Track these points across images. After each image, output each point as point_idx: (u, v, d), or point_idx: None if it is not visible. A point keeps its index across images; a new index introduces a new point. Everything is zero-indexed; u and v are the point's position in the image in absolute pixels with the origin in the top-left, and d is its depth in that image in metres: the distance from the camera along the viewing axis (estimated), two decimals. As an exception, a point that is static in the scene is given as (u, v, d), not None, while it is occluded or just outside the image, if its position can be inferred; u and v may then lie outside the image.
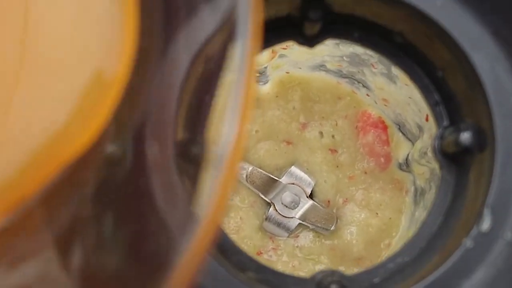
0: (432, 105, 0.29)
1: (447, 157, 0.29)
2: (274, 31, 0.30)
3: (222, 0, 0.20)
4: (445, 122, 0.29)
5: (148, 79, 0.22)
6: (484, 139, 0.26)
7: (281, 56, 0.44)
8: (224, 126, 0.17)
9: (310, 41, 0.30)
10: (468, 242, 0.25)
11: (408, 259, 0.28)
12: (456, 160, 0.28)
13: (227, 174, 0.16)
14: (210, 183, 0.17)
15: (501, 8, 0.26)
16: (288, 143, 0.47)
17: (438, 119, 0.29)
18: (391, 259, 0.29)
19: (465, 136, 0.27)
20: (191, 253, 0.16)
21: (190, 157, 0.22)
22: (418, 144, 0.42)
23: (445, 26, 0.26)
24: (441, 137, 0.29)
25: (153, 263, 0.19)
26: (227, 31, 0.19)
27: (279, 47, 0.42)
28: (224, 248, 0.28)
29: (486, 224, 0.25)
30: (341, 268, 0.45)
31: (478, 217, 0.25)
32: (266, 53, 0.44)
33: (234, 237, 0.45)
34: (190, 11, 0.22)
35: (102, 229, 0.20)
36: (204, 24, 0.22)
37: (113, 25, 0.20)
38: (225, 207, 0.16)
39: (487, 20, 0.26)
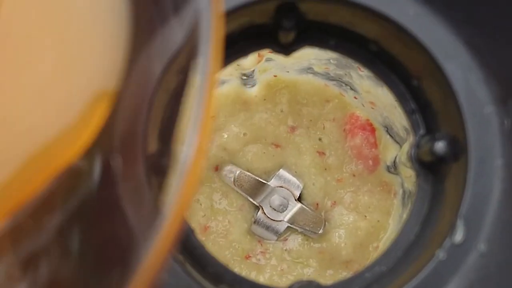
0: (409, 113, 0.29)
1: (424, 166, 0.29)
2: (250, 39, 0.30)
3: (187, 13, 0.20)
4: (422, 131, 0.29)
5: (122, 89, 0.22)
6: (458, 149, 0.26)
7: (268, 60, 0.44)
8: (185, 140, 0.17)
9: (286, 49, 0.30)
10: (441, 254, 0.25)
11: (385, 269, 0.28)
12: (432, 169, 0.28)
13: (185, 190, 0.16)
14: (171, 195, 0.17)
15: (474, 17, 0.25)
16: (276, 146, 0.47)
17: (414, 127, 0.29)
18: (369, 268, 0.29)
19: (440, 146, 0.26)
20: (151, 258, 0.16)
21: (160, 169, 0.22)
22: (406, 147, 0.42)
23: (417, 36, 0.26)
24: (417, 146, 0.29)
25: (118, 269, 0.19)
26: (191, 45, 0.19)
27: (265, 51, 0.41)
28: (200, 260, 0.28)
29: (459, 235, 0.25)
30: (330, 272, 0.45)
31: (452, 228, 0.25)
32: (253, 57, 0.44)
33: (222, 241, 0.45)
34: (162, 21, 0.22)
35: (68, 242, 0.20)
36: (174, 35, 0.22)
37: (110, 40, 0.20)
38: (183, 215, 0.17)
39: (460, 30, 0.26)
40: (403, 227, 0.28)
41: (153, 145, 0.22)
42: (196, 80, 0.18)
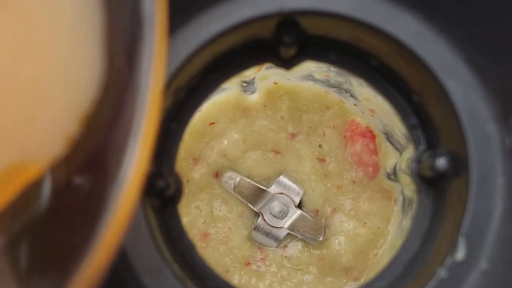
0: (410, 128, 0.29)
1: (425, 181, 0.29)
2: (251, 54, 0.30)
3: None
4: (423, 146, 0.29)
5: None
6: (459, 166, 0.26)
7: (268, 67, 0.44)
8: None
9: (287, 64, 0.29)
10: (442, 272, 0.25)
11: (385, 284, 0.28)
12: (433, 184, 0.28)
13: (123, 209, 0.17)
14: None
15: (475, 35, 0.25)
16: (276, 152, 0.47)
17: (415, 142, 0.29)
18: (369, 284, 0.29)
19: (441, 162, 0.26)
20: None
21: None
22: (406, 155, 0.42)
23: (418, 53, 0.26)
24: (418, 161, 0.29)
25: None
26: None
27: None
28: (201, 275, 0.28)
29: (460, 253, 0.25)
30: (330, 279, 0.45)
31: (453, 245, 0.25)
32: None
33: (222, 247, 0.45)
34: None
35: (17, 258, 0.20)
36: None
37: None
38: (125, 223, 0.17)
39: (461, 47, 0.26)
40: (404, 242, 0.28)
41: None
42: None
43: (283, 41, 0.27)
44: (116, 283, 0.24)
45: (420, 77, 0.27)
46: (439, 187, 0.28)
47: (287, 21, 0.27)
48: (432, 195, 0.28)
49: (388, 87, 0.29)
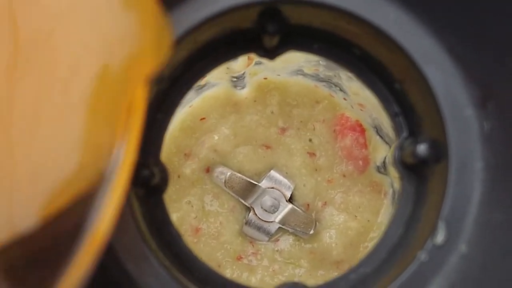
0: (392, 115, 0.29)
1: (407, 168, 0.29)
2: (235, 44, 0.30)
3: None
4: (405, 133, 0.29)
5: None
6: (439, 152, 0.26)
7: (258, 63, 0.44)
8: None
9: (270, 53, 0.30)
10: (422, 255, 0.25)
11: (369, 270, 0.28)
12: (415, 171, 0.28)
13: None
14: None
15: (454, 22, 0.26)
16: (267, 147, 0.47)
17: (398, 130, 0.29)
18: (353, 269, 0.29)
19: (422, 148, 0.27)
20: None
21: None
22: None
23: (398, 40, 0.26)
24: (400, 148, 0.29)
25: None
26: None
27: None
28: (187, 264, 0.28)
29: (440, 237, 0.25)
30: (321, 272, 0.45)
31: (433, 229, 0.26)
32: (242, 61, 0.44)
33: (214, 242, 0.46)
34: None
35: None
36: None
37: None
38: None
39: (440, 34, 0.26)
40: (387, 228, 0.29)
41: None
42: None
43: (266, 30, 0.28)
44: (100, 270, 0.24)
45: (401, 65, 0.27)
46: (421, 174, 0.28)
47: (270, 10, 0.27)
48: (414, 182, 0.29)
49: (371, 75, 0.29)
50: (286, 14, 0.28)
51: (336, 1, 0.26)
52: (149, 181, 0.27)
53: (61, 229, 0.19)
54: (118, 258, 0.25)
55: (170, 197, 0.45)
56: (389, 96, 0.29)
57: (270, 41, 0.29)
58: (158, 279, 0.25)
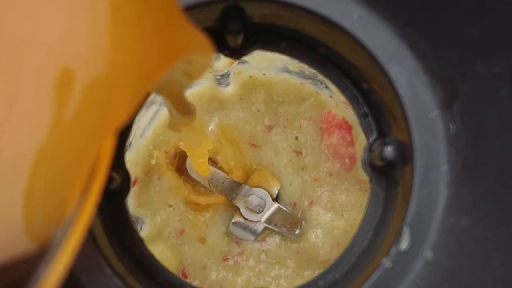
0: (361, 116, 0.28)
1: (376, 170, 0.28)
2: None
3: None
4: (374, 135, 0.28)
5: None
6: (406, 154, 0.25)
7: (242, 62, 0.44)
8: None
9: (236, 53, 0.29)
10: (387, 262, 0.25)
11: (338, 276, 0.28)
12: (384, 173, 0.28)
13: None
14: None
15: (417, 21, 0.25)
16: (254, 146, 0.46)
17: (367, 131, 0.28)
18: (322, 275, 0.28)
19: (388, 150, 0.26)
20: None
21: None
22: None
23: (361, 39, 0.25)
24: (369, 150, 0.28)
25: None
26: None
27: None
28: (149, 270, 0.28)
29: (404, 243, 0.25)
30: (307, 272, 0.45)
31: (398, 235, 0.25)
32: (225, 59, 0.44)
33: (199, 244, 0.45)
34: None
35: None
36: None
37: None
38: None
39: (404, 33, 0.25)
40: (356, 232, 0.28)
41: None
42: None
43: (228, 29, 0.27)
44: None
45: (366, 64, 0.26)
46: (390, 177, 0.27)
47: (231, 8, 0.27)
48: (384, 185, 0.28)
49: (339, 75, 0.29)
50: (249, 12, 0.27)
51: (297, -1, 0.25)
52: (107, 185, 0.26)
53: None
54: (70, 269, 0.25)
55: (151, 199, 0.45)
56: (358, 96, 0.28)
57: (235, 41, 0.28)
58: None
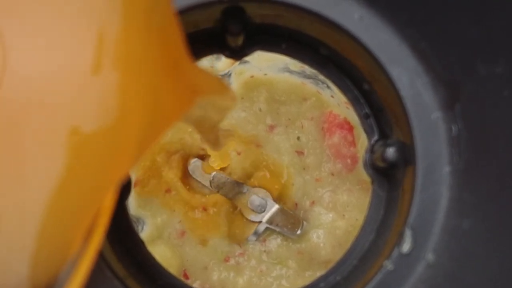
0: (363, 117, 0.28)
1: (378, 172, 0.28)
2: (199, 44, 0.29)
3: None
4: (376, 136, 0.28)
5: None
6: (407, 155, 0.25)
7: (243, 62, 0.44)
8: None
9: (236, 54, 0.29)
10: (389, 265, 0.24)
11: (339, 278, 0.28)
12: (386, 175, 0.27)
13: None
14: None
15: (419, 21, 0.25)
16: (256, 145, 0.46)
17: (368, 132, 0.28)
18: (324, 277, 0.28)
19: (390, 151, 0.26)
20: None
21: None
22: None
23: (362, 40, 0.25)
24: (371, 151, 0.28)
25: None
26: None
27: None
28: (149, 272, 0.28)
29: (406, 245, 0.24)
30: (309, 273, 0.44)
31: (400, 237, 0.25)
32: (226, 60, 0.43)
33: (200, 245, 0.45)
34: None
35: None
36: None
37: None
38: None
39: (405, 33, 0.25)
40: (358, 234, 0.28)
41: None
42: None
43: (229, 30, 0.27)
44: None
45: (368, 65, 0.26)
46: (392, 178, 0.27)
47: (232, 9, 0.26)
48: (386, 187, 0.28)
49: (341, 75, 0.29)
50: (249, 13, 0.27)
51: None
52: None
53: None
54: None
55: (152, 200, 0.45)
56: (360, 97, 0.28)
57: (235, 41, 0.28)
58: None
